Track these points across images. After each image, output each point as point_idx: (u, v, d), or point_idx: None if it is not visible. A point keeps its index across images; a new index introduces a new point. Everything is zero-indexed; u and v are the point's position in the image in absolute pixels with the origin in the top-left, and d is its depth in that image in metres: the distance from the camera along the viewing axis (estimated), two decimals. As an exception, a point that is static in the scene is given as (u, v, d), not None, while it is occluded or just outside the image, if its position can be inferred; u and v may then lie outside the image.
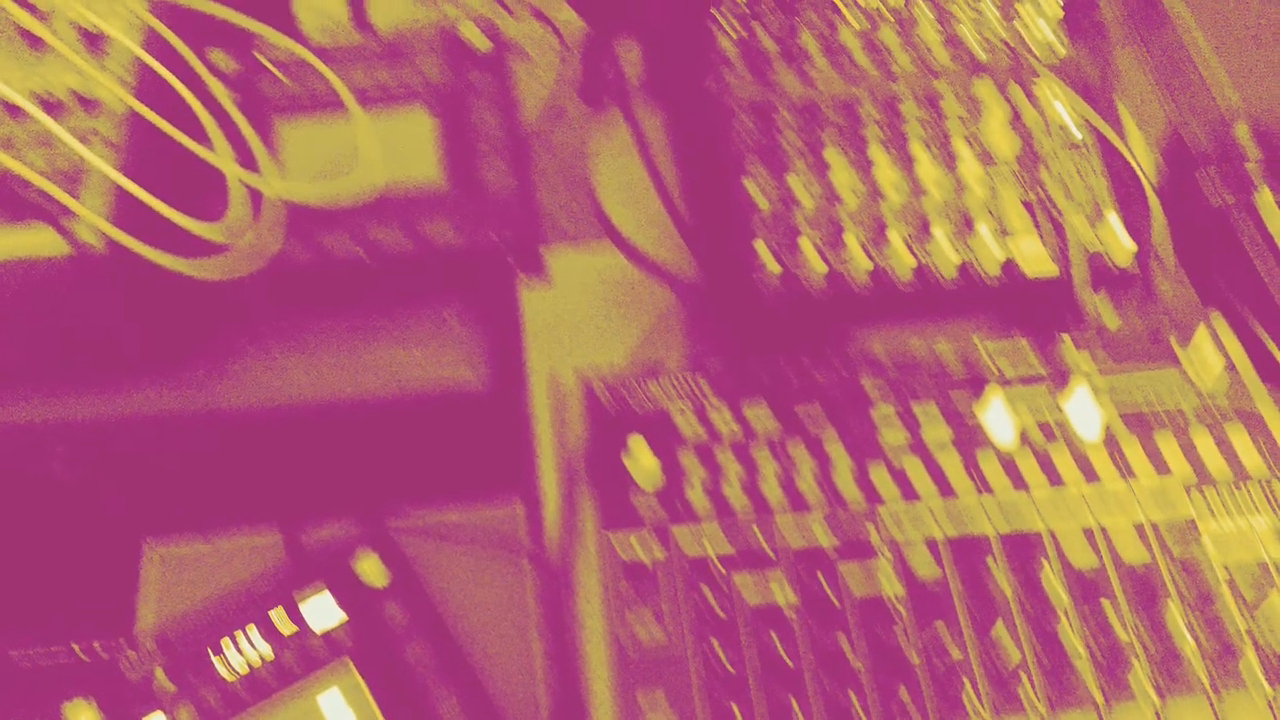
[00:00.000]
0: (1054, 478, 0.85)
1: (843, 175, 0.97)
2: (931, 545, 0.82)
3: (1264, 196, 1.00)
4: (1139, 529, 0.83)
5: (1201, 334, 0.91)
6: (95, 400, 0.95)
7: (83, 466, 0.98)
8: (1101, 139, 1.00)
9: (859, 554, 0.81)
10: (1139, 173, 0.99)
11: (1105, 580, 0.81)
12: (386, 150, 0.97)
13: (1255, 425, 0.88)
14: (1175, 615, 0.80)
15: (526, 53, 1.19)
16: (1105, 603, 0.80)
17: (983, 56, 1.02)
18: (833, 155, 0.98)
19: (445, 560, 0.94)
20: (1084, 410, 0.88)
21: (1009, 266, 0.95)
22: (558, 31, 1.20)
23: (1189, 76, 1.12)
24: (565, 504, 0.84)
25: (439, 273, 0.96)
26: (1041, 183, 0.98)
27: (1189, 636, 0.79)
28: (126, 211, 0.86)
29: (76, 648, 0.94)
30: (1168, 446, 0.87)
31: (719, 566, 0.80)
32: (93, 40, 0.94)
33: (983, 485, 0.84)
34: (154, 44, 0.94)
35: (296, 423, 0.96)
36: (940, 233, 0.95)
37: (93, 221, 0.85)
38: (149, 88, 0.93)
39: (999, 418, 0.87)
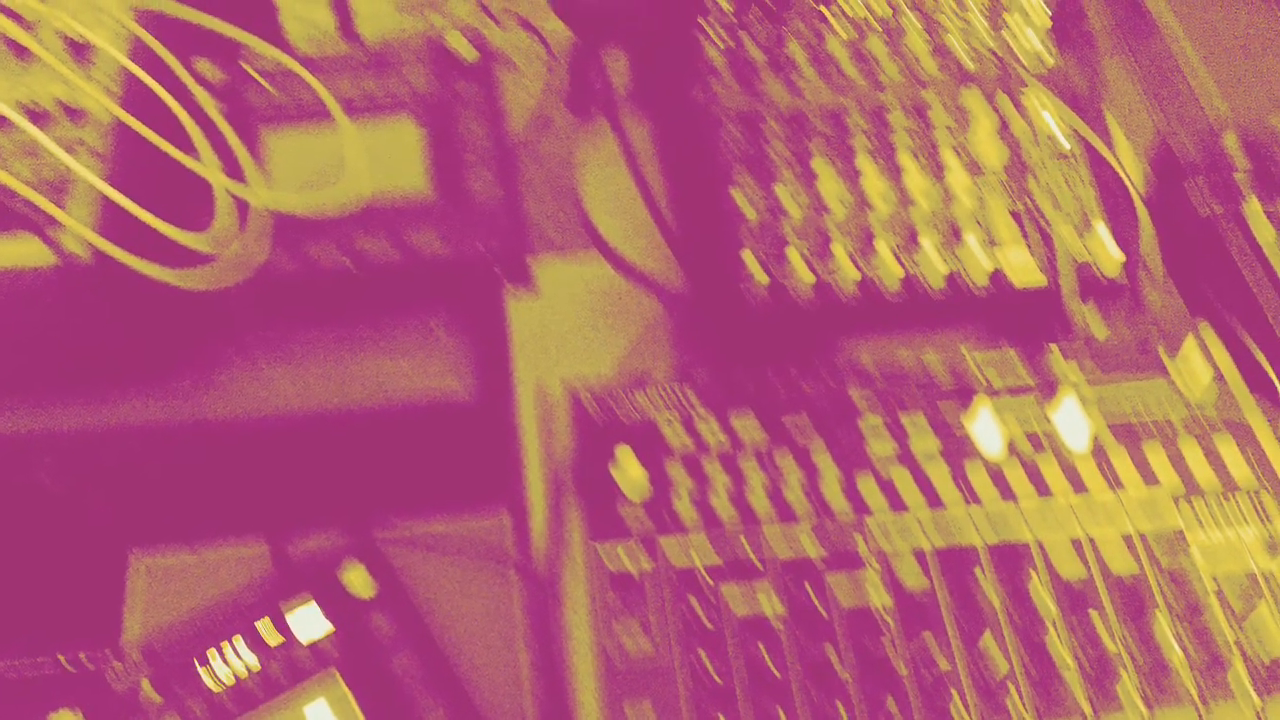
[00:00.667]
0: (1042, 488, 0.85)
1: (830, 185, 0.97)
2: (919, 556, 0.82)
3: (1252, 206, 1.00)
4: (1127, 540, 0.83)
5: (1190, 344, 0.91)
6: (81, 410, 0.95)
7: (69, 476, 0.98)
8: (1090, 149, 1.00)
9: (847, 565, 0.81)
10: (1127, 183, 0.99)
11: (1093, 591, 0.81)
12: (373, 160, 0.96)
13: (1244, 436, 0.88)
14: (1163, 626, 0.80)
15: (513, 63, 1.19)
16: (1093, 613, 0.80)
17: (971, 66, 1.03)
18: (820, 165, 0.98)
19: (432, 571, 0.93)
20: (1072, 421, 0.87)
21: (997, 277, 0.95)
22: (545, 41, 1.20)
23: (1177, 86, 1.13)
24: (552, 515, 0.84)
25: (426, 283, 0.96)
26: (1029, 193, 0.98)
27: (1177, 647, 0.79)
28: (112, 221, 0.86)
29: (62, 658, 0.93)
30: (1156, 457, 0.87)
31: (706, 577, 0.80)
32: (79, 50, 0.94)
33: (971, 496, 0.84)
34: (140, 54, 0.94)
35: (283, 433, 0.96)
36: (928, 243, 0.95)
37: (79, 231, 0.85)
38: (135, 97, 0.92)
39: (987, 428, 0.87)
